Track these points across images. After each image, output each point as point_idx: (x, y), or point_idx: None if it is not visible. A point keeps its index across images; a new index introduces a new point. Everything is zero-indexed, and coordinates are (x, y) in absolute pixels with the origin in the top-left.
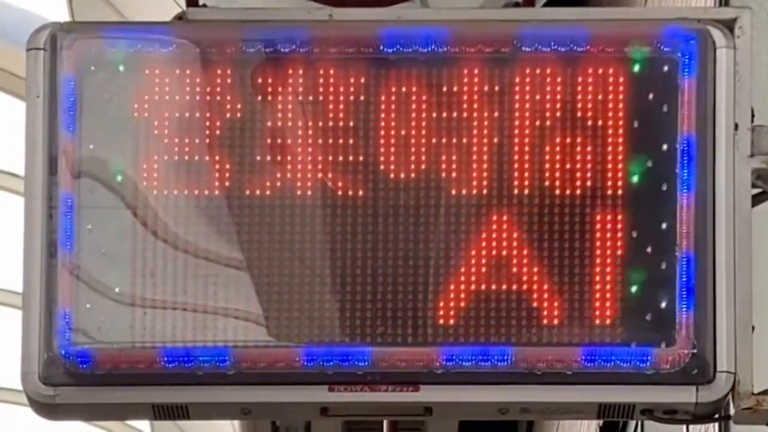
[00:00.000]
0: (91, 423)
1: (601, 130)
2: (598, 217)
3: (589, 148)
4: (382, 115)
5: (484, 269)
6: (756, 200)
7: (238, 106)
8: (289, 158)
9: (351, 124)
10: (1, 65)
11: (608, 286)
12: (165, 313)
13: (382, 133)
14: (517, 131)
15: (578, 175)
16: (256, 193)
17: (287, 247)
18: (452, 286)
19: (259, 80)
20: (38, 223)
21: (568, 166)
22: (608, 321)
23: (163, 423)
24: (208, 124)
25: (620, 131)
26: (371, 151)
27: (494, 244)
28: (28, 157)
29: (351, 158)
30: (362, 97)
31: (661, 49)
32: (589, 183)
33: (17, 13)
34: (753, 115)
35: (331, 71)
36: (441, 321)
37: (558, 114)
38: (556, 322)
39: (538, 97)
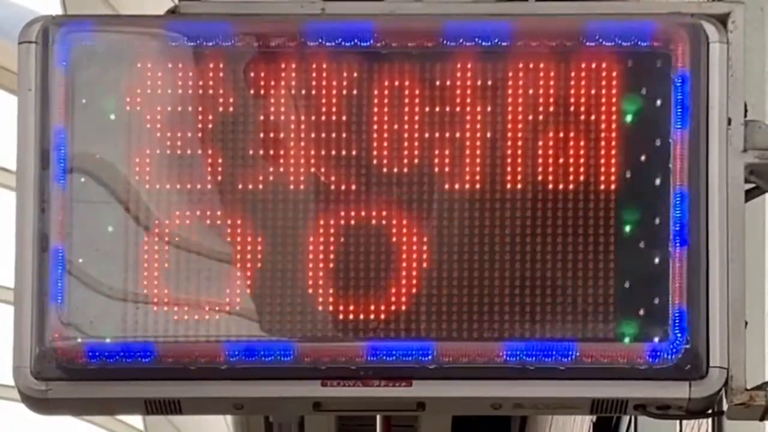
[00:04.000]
0: (85, 419)
1: (594, 125)
2: (591, 212)
3: (582, 143)
4: (375, 110)
5: (476, 264)
6: (749, 195)
7: (231, 100)
8: (281, 152)
9: (344, 118)
10: None
11: (601, 281)
12: (157, 308)
13: (375, 127)
14: (510, 126)
15: (571, 169)
16: (249, 187)
17: (279, 241)
18: (445, 281)
19: (252, 74)
20: (30, 217)
21: (561, 160)
22: (601, 316)
23: (157, 420)
24: (200, 118)
25: (613, 126)
26: (364, 145)
27: (486, 239)
28: (19, 151)
29: (344, 152)
30: (355, 92)
31: (654, 44)
32: (582, 177)
33: (9, 8)
34: (746, 110)
35: (324, 65)
36: (433, 316)
37: (551, 108)
38: (548, 317)
39: (531, 91)
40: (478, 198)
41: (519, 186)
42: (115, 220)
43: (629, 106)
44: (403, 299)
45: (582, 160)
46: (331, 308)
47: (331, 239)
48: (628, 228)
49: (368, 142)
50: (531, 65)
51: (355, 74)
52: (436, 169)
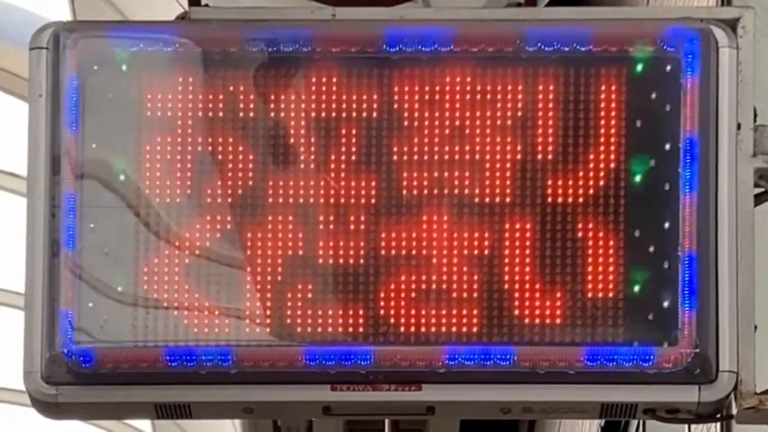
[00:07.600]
0: (91, 423)
1: (604, 130)
2: (601, 217)
3: (591, 148)
4: (385, 115)
5: (486, 269)
6: (758, 199)
7: (242, 107)
8: (291, 157)
9: (353, 123)
10: (3, 66)
11: (611, 286)
12: (167, 313)
13: (385, 132)
14: (519, 131)
15: (581, 174)
16: (258, 193)
17: (289, 246)
18: (455, 286)
19: (262, 80)
20: (41, 222)
21: (570, 165)
22: (610, 320)
23: (165, 423)
24: (211, 123)
25: (623, 131)
26: (374, 150)
27: (497, 244)
28: (30, 156)
29: (354, 158)
30: (365, 97)
31: (663, 49)
32: (591, 182)
33: (19, 14)
34: (756, 115)
35: (334, 71)
36: (443, 320)
37: (560, 113)
38: (558, 321)
39: (540, 96)
40: (488, 203)
41: (528, 191)
42: (125, 225)
43: (638, 110)
44: (413, 303)
45: (591, 165)
46: (340, 312)
47: (341, 244)
48: (637, 232)
49: (378, 147)
50: (540, 70)
51: (365, 80)
52: (446, 174)
